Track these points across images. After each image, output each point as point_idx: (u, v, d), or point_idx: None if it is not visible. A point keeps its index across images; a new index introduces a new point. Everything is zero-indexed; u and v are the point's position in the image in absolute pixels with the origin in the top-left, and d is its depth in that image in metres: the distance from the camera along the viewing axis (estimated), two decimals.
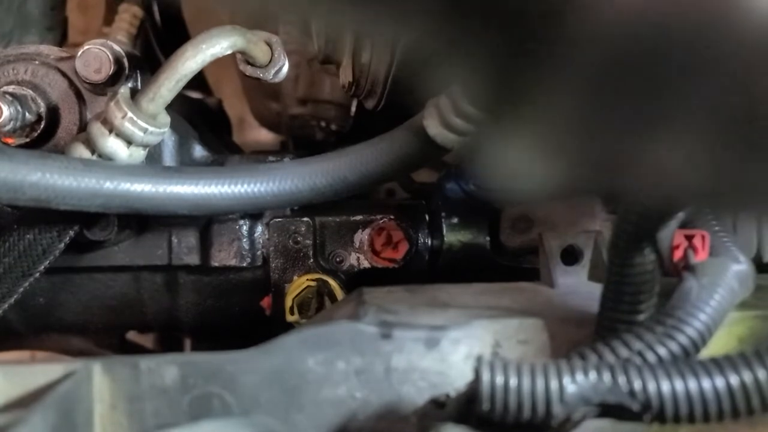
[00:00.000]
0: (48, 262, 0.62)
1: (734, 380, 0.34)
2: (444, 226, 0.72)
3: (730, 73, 0.13)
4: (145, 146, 0.59)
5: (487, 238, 0.72)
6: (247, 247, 0.69)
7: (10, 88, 0.62)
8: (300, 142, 1.17)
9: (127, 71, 0.62)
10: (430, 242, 0.72)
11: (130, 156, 0.58)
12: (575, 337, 0.43)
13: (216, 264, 0.69)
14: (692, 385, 0.34)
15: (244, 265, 0.69)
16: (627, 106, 0.14)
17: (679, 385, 0.34)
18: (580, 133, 0.15)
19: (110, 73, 0.61)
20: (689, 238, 0.47)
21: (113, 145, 0.57)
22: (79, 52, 0.61)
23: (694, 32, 0.12)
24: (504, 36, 0.14)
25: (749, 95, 0.13)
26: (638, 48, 0.13)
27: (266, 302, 0.71)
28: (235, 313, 0.72)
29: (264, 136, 1.50)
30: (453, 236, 0.72)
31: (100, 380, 0.40)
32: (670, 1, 0.12)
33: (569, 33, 0.13)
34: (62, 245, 0.61)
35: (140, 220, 0.68)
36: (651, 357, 0.37)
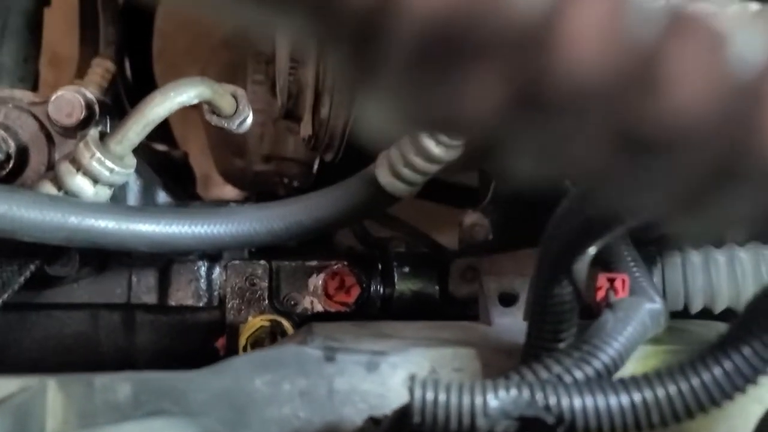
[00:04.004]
0: (6, 296, 0.63)
1: (637, 397, 0.38)
2: (396, 274, 0.76)
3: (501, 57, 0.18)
4: (110, 185, 0.62)
5: (437, 287, 0.76)
6: (204, 287, 0.71)
7: None
8: (262, 197, 1.21)
9: (97, 117, 0.65)
10: (382, 290, 0.75)
11: (95, 194, 0.61)
12: (506, 366, 0.47)
13: (173, 303, 0.71)
14: (600, 401, 0.38)
15: (201, 305, 0.71)
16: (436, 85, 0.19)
17: (588, 401, 0.38)
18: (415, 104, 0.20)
19: (81, 118, 0.64)
20: (611, 280, 0.52)
21: (80, 183, 0.60)
22: (53, 97, 0.65)
23: (472, 25, 0.18)
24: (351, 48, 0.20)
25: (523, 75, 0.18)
26: (434, 41, 0.18)
27: (220, 343, 0.73)
28: (189, 352, 0.73)
29: (228, 192, 1.53)
30: (404, 285, 0.76)
31: (53, 396, 0.42)
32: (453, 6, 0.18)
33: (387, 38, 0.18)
34: (22, 279, 0.63)
35: (101, 258, 0.70)
36: (568, 379, 0.41)
